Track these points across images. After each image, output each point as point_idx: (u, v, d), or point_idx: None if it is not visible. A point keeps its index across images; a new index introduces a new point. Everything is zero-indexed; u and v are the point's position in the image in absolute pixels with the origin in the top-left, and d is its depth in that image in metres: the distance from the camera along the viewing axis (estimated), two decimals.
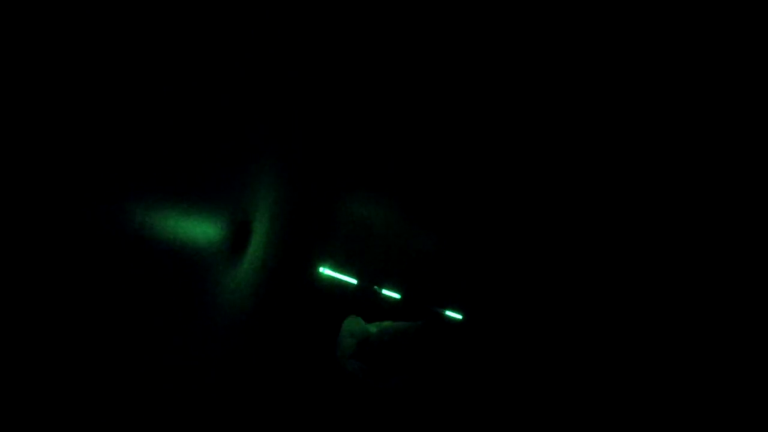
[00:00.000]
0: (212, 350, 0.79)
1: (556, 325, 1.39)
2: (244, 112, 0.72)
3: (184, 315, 0.69)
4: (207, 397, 0.87)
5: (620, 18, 1.06)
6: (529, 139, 1.30)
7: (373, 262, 1.38)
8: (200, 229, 0.69)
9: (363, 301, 1.51)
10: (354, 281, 1.41)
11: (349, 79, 1.30)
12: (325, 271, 1.36)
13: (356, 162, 1.33)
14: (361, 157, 1.33)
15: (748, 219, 1.08)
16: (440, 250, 1.41)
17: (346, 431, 1.15)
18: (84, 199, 0.45)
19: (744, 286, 1.09)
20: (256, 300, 0.99)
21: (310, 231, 1.27)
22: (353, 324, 1.24)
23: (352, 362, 1.16)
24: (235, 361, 0.94)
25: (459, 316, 1.80)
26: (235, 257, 0.83)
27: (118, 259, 0.53)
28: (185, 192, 0.62)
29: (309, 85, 1.06)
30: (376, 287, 1.36)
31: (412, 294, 1.45)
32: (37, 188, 0.41)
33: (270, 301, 1.08)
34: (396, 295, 1.45)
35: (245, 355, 1.02)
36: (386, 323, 1.29)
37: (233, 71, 0.72)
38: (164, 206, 0.57)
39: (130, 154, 0.53)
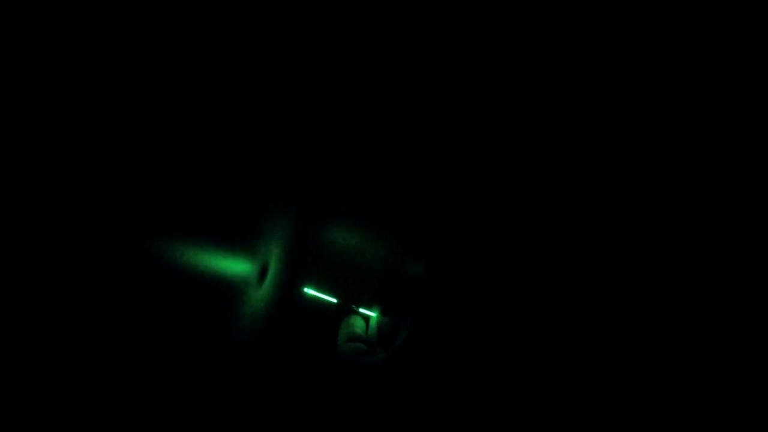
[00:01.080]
0: (236, 356, 0.98)
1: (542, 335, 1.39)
2: (263, 183, 0.92)
3: (220, 332, 0.88)
4: (229, 393, 1.04)
5: (619, 18, 1.11)
6: (511, 162, 1.37)
7: (351, 285, 1.58)
8: (229, 266, 0.88)
9: (342, 316, 1.68)
10: (334, 300, 1.58)
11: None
12: (309, 291, 1.54)
13: (337, 200, 1.52)
14: (341, 196, 1.51)
15: (748, 219, 1.13)
16: (416, 275, 1.57)
17: (342, 409, 1.26)
18: (148, 239, 0.58)
19: (744, 286, 1.14)
20: (266, 317, 1.18)
21: (300, 261, 1.47)
22: (349, 318, 1.37)
23: (345, 346, 1.28)
24: (250, 364, 1.13)
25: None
26: (260, 284, 1.02)
27: (172, 287, 0.68)
28: (224, 238, 0.81)
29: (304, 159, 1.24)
30: (353, 306, 1.54)
31: (388, 317, 1.61)
32: (112, 227, 0.46)
33: (274, 317, 1.28)
34: (372, 314, 1.62)
35: (257, 359, 1.21)
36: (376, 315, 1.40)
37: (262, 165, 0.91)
38: (209, 249, 0.76)
39: (195, 213, 0.70)
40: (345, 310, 1.57)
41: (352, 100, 1.42)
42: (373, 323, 1.49)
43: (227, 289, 0.86)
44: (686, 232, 1.27)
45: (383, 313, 1.50)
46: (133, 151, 0.48)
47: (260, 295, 1.02)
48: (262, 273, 0.96)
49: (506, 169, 1.41)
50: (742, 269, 1.19)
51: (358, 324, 1.48)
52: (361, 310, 1.56)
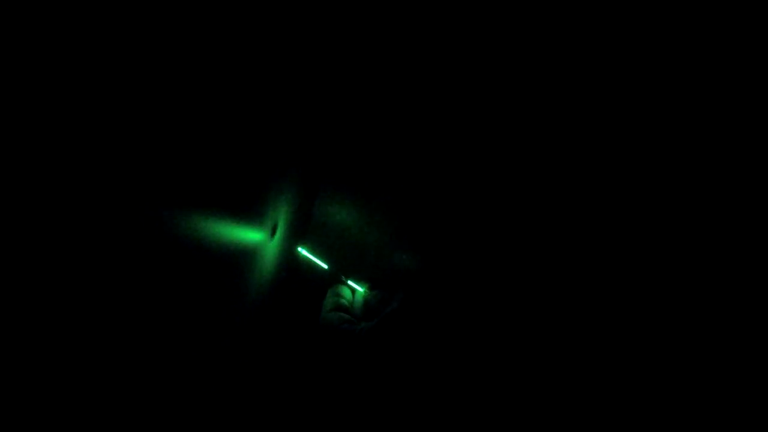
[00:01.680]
0: (249, 310, 1.03)
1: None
2: (272, 156, 0.95)
3: (237, 290, 0.91)
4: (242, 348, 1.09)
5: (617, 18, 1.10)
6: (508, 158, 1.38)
7: (345, 256, 1.61)
8: (248, 233, 0.91)
9: (330, 283, 1.72)
10: (325, 266, 1.62)
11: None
12: (303, 251, 1.57)
13: (343, 174, 1.54)
14: (348, 171, 1.53)
15: (748, 219, 1.10)
16: (409, 260, 1.61)
17: (328, 379, 1.22)
18: (173, 210, 0.61)
19: (744, 286, 1.11)
20: (276, 270, 1.23)
21: (302, 224, 1.50)
22: (337, 287, 1.39)
23: (331, 314, 1.27)
24: (258, 319, 1.18)
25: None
26: (271, 239, 1.06)
27: (194, 255, 0.71)
28: (240, 208, 0.85)
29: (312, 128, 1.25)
30: (343, 277, 1.58)
31: (376, 292, 1.64)
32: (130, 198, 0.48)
33: (278, 276, 1.32)
34: (360, 288, 1.65)
35: (263, 316, 1.25)
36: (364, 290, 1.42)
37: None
38: (225, 219, 0.79)
39: (213, 187, 0.73)
40: (334, 278, 1.61)
41: (364, 88, 1.41)
42: (359, 297, 1.54)
43: (243, 250, 0.90)
44: (685, 232, 1.25)
45: (371, 288, 1.55)
46: (149, 133, 0.49)
47: (272, 246, 1.06)
48: (273, 230, 1.00)
49: (503, 161, 1.42)
50: (742, 269, 1.19)
51: (345, 294, 1.52)
52: (350, 282, 1.60)
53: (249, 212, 0.88)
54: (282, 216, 1.10)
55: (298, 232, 1.42)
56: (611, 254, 1.32)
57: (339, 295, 1.48)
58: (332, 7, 1.05)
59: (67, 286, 0.41)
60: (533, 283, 1.44)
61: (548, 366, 1.30)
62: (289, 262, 1.44)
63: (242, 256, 0.87)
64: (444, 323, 1.33)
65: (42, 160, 0.35)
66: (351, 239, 1.60)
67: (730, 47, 1.17)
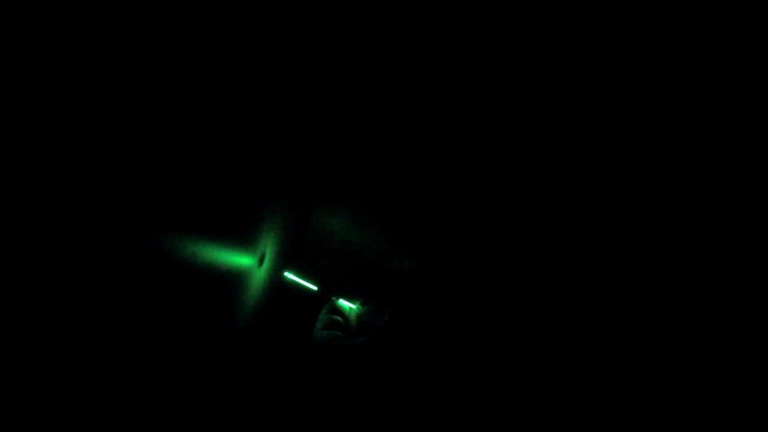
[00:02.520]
0: (237, 332, 1.00)
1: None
2: (261, 185, 0.93)
3: (225, 313, 0.89)
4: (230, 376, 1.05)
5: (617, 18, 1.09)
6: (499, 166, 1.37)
7: (333, 275, 1.59)
8: (234, 258, 0.90)
9: (319, 305, 1.69)
10: (314, 288, 1.59)
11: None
12: (290, 276, 1.54)
13: (335, 187, 1.53)
14: (330, 192, 1.52)
15: (748, 219, 1.09)
16: (399, 268, 1.60)
17: (321, 395, 1.20)
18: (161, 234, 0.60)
19: (744, 286, 1.10)
20: (264, 298, 1.20)
21: (290, 251, 1.47)
22: (331, 304, 1.37)
23: (323, 332, 1.26)
24: (246, 341, 1.15)
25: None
26: (259, 269, 1.04)
27: (183, 277, 0.69)
28: (228, 235, 0.83)
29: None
30: (333, 297, 1.56)
31: (368, 307, 1.63)
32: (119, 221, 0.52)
33: (270, 297, 1.30)
34: (353, 306, 1.63)
35: (252, 338, 1.22)
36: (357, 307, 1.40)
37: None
38: (215, 243, 0.78)
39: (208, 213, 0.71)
40: (324, 299, 1.59)
41: (348, 96, 1.41)
42: (353, 314, 1.52)
43: (233, 276, 0.87)
44: (683, 232, 1.25)
45: (363, 303, 1.53)
46: (134, 150, 0.49)
47: (260, 275, 1.04)
48: (261, 259, 0.98)
49: (493, 165, 1.42)
50: (742, 269, 1.19)
51: (338, 312, 1.50)
52: (341, 302, 1.58)
53: (238, 237, 0.86)
54: (271, 243, 1.08)
55: (287, 256, 1.40)
56: (610, 261, 1.32)
57: (333, 312, 1.46)
58: (318, 19, 1.03)
59: (55, 303, 0.40)
60: (529, 288, 1.43)
61: (545, 375, 1.30)
62: (277, 287, 1.42)
63: (230, 283, 0.85)
64: (436, 334, 1.33)
65: (30, 181, 0.35)
66: (344, 250, 1.57)
67: (730, 47, 1.17)
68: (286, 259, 1.40)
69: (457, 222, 1.53)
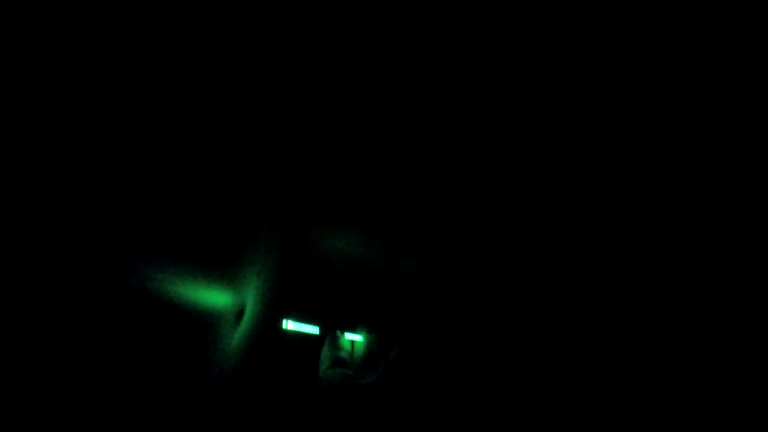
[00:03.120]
0: (216, 388, 0.93)
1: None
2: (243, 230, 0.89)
3: (200, 365, 0.82)
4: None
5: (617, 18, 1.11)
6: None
7: (334, 309, 1.52)
8: (208, 298, 0.84)
9: (327, 346, 1.60)
10: (316, 331, 1.51)
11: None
12: (288, 324, 1.46)
13: (323, 217, 1.47)
14: (325, 217, 1.46)
15: (748, 219, 1.12)
16: (405, 291, 1.54)
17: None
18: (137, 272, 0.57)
19: (744, 287, 1.13)
20: (245, 351, 1.13)
21: (278, 295, 1.40)
22: (333, 338, 1.32)
23: (330, 372, 1.23)
24: (227, 402, 1.07)
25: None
26: (236, 324, 0.96)
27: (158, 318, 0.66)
28: (202, 272, 0.77)
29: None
30: (338, 332, 1.48)
31: (375, 335, 1.56)
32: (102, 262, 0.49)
33: (253, 354, 1.22)
34: (359, 338, 1.54)
35: (236, 397, 1.15)
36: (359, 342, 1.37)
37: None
38: (187, 280, 0.72)
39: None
40: (329, 337, 1.50)
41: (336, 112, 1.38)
42: (359, 345, 1.43)
43: (205, 323, 0.80)
44: (684, 232, 1.25)
45: (370, 332, 1.45)
46: (106, 175, 0.48)
47: (238, 334, 0.95)
48: (239, 315, 0.89)
49: (492, 178, 1.40)
50: (742, 269, 1.19)
51: (344, 345, 1.41)
52: (347, 336, 1.49)
53: (219, 286, 0.80)
54: (251, 297, 1.00)
55: (276, 300, 1.32)
56: (613, 273, 1.36)
57: (336, 348, 1.38)
58: (304, 31, 1.01)
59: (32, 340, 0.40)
60: (534, 298, 1.41)
61: (555, 394, 1.30)
62: (270, 336, 1.33)
63: (209, 330, 0.78)
64: (446, 366, 1.28)
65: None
66: (343, 270, 1.50)
67: (730, 47, 1.17)
68: (278, 305, 1.32)
69: (459, 226, 1.49)
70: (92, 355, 0.52)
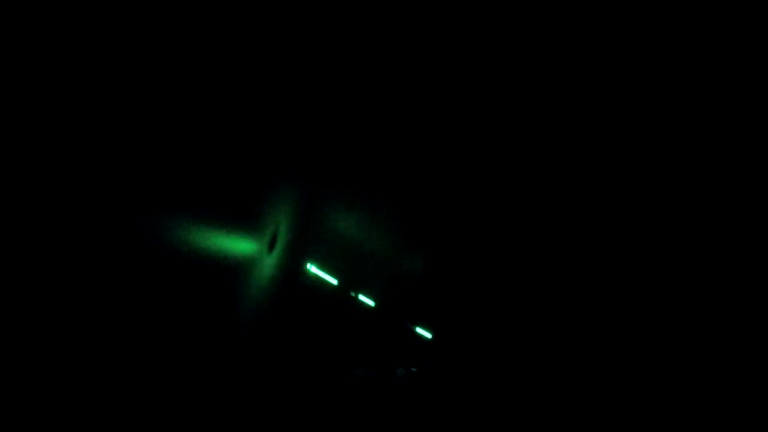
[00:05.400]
0: (248, 317, 1.00)
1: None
2: (269, 155, 0.94)
3: (235, 296, 0.89)
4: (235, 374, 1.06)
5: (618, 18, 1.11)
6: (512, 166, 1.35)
7: (354, 269, 1.58)
8: (246, 240, 0.89)
9: (340, 302, 1.69)
10: (335, 282, 1.59)
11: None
12: (312, 268, 1.54)
13: (350, 184, 1.52)
14: (355, 181, 1.51)
15: (748, 219, 1.09)
16: (421, 269, 1.58)
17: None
18: (180, 222, 0.61)
19: (743, 287, 1.10)
20: (275, 288, 1.20)
21: (307, 238, 1.46)
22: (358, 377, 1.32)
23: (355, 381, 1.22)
24: (257, 341, 1.15)
25: (428, 335, 1.98)
26: (270, 253, 1.03)
27: (202, 260, 0.71)
28: (231, 211, 0.83)
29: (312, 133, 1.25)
30: (353, 292, 1.55)
31: (386, 305, 1.61)
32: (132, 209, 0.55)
33: (282, 287, 1.29)
34: (371, 303, 1.61)
35: (264, 336, 1.22)
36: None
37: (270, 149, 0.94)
38: (216, 224, 0.78)
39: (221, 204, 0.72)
40: (345, 294, 1.57)
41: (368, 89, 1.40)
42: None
43: (236, 263, 0.87)
44: (685, 232, 1.19)
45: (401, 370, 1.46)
46: (132, 127, 0.50)
47: (271, 261, 1.02)
48: (272, 241, 0.96)
49: (507, 162, 1.39)
50: (742, 269, 1.13)
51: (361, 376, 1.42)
52: (360, 297, 1.56)
53: (246, 221, 0.86)
54: (282, 227, 1.07)
55: (300, 246, 1.39)
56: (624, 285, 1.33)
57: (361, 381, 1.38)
58: (326, 15, 1.04)
59: (59, 291, 0.41)
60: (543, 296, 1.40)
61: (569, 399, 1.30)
62: (294, 278, 1.41)
63: (237, 270, 0.84)
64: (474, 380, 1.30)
65: (38, 162, 0.36)
66: (357, 246, 1.56)
67: (730, 47, 1.11)
68: (303, 246, 1.39)
69: (465, 223, 1.50)
70: (132, 300, 0.53)
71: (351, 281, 1.54)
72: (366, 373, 1.23)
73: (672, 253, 1.24)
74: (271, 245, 1.05)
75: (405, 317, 1.47)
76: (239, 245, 0.86)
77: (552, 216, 1.38)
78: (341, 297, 1.54)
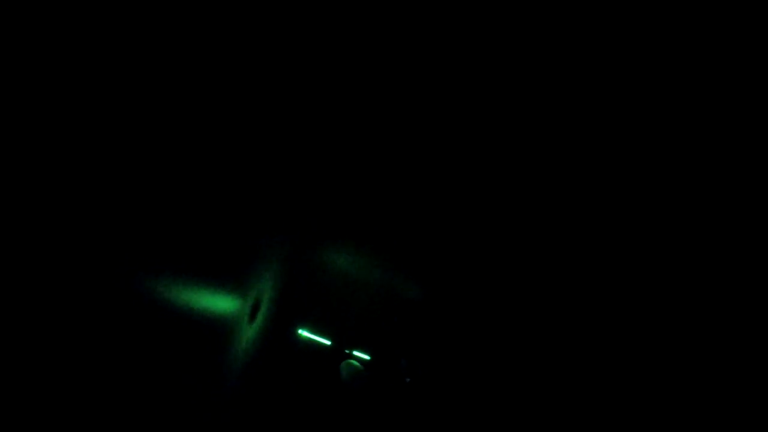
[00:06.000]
0: (229, 385, 0.98)
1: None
2: (257, 233, 0.96)
3: (215, 364, 0.88)
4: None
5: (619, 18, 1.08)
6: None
7: (346, 327, 1.58)
8: (227, 305, 0.90)
9: (336, 360, 1.68)
10: (328, 342, 1.58)
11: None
12: (303, 332, 1.54)
13: (334, 243, 1.54)
14: (339, 240, 1.54)
15: (748, 219, 1.07)
16: (411, 317, 1.57)
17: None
18: (160, 286, 0.62)
19: (743, 286, 1.07)
20: (259, 353, 1.19)
21: (295, 302, 1.47)
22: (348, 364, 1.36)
23: (350, 368, 1.24)
24: (240, 404, 1.12)
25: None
26: (250, 324, 1.03)
27: (176, 325, 0.71)
28: (214, 275, 0.84)
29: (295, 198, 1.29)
30: (347, 350, 1.54)
31: (380, 357, 1.61)
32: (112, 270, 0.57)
33: (267, 356, 1.28)
34: (366, 357, 1.60)
35: (248, 399, 1.20)
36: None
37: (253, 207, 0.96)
38: (198, 286, 0.79)
39: (205, 263, 0.74)
40: (340, 353, 1.56)
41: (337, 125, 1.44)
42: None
43: (218, 327, 0.87)
44: (685, 233, 1.17)
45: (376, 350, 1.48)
46: (118, 182, 0.51)
47: (251, 333, 1.03)
48: (253, 311, 0.97)
49: (492, 189, 1.40)
50: (742, 269, 1.11)
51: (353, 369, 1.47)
52: (356, 353, 1.54)
53: (228, 288, 0.87)
54: (267, 296, 1.08)
55: (290, 309, 1.40)
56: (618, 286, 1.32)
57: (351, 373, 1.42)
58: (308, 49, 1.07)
59: (35, 351, 0.40)
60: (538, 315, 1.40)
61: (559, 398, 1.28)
62: (278, 345, 1.40)
63: (215, 335, 0.85)
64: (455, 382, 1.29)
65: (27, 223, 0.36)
66: (352, 289, 1.55)
67: (730, 47, 1.12)
68: (293, 309, 1.39)
69: (460, 248, 1.51)
70: (109, 358, 0.53)
71: (344, 340, 1.54)
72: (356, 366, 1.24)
73: (671, 259, 1.23)
74: (252, 316, 1.06)
75: (399, 369, 1.46)
76: (219, 310, 0.87)
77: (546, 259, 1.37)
78: (335, 355, 1.53)
